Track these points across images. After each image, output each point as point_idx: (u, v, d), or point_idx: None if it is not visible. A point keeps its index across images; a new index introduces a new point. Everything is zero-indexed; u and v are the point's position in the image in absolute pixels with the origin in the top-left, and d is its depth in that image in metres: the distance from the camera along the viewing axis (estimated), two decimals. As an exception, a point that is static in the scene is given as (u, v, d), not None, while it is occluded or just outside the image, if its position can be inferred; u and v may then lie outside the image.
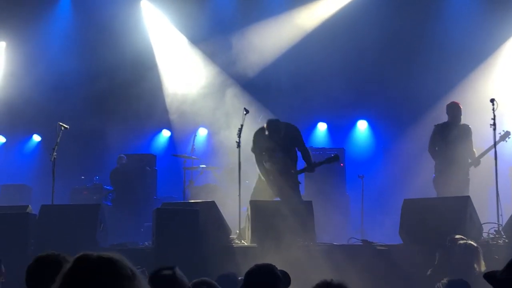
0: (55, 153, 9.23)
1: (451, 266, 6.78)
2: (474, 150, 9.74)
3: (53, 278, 2.14)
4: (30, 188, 12.87)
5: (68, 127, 9.57)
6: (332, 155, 9.58)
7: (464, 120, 9.77)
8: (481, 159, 9.64)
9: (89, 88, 13.92)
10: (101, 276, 2.08)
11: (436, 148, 9.83)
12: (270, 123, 9.18)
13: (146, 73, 13.78)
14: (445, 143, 9.65)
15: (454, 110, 9.74)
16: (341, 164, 12.13)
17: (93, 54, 13.98)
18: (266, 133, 9.13)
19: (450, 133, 9.64)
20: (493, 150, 8.94)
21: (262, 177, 9.30)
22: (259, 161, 9.30)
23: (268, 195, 9.19)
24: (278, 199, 9.23)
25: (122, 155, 12.90)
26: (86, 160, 14.15)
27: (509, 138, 9.40)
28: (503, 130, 9.38)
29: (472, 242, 6.83)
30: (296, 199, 9.09)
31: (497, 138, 8.99)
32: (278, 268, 4.38)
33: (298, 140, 9.38)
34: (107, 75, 13.79)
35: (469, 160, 9.68)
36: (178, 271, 3.75)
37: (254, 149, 9.35)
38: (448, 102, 10.01)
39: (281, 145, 9.17)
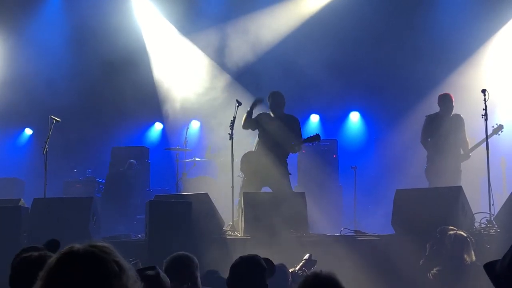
0: (47, 146, 9.19)
1: (442, 257, 6.81)
2: (467, 140, 9.76)
3: (37, 273, 2.08)
4: (22, 182, 12.83)
5: (59, 120, 9.52)
6: (314, 134, 9.46)
7: (455, 110, 9.77)
8: (470, 153, 9.67)
9: (81, 81, 13.88)
10: (85, 274, 2.02)
11: (429, 139, 9.85)
12: (275, 92, 9.46)
13: (138, 66, 13.74)
14: (437, 134, 9.67)
15: (446, 101, 9.71)
16: (334, 156, 12.18)
17: (84, 47, 13.92)
18: (269, 104, 9.39)
19: (442, 124, 9.65)
20: (484, 142, 8.95)
21: (250, 162, 9.31)
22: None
23: (255, 186, 9.22)
24: (266, 188, 9.28)
25: (133, 161, 12.74)
26: (79, 153, 14.12)
27: (501, 131, 9.40)
28: (496, 124, 9.38)
29: (462, 233, 6.86)
30: (287, 189, 9.12)
31: (489, 130, 8.98)
32: (272, 259, 4.39)
33: (296, 129, 9.46)
34: (99, 68, 13.75)
35: (461, 152, 9.71)
36: (161, 272, 3.76)
37: (248, 127, 9.44)
38: (440, 93, 10.01)
39: (280, 130, 9.24)
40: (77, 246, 2.09)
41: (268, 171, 9.12)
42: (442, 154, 9.59)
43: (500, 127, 9.36)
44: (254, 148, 9.57)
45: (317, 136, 9.36)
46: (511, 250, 3.01)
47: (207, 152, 12.44)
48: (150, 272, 3.60)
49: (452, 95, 9.81)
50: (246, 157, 9.47)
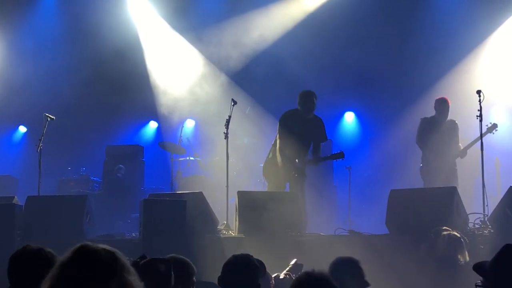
0: (41, 144, 9.17)
1: (436, 257, 6.82)
2: (460, 145, 9.78)
3: (35, 271, 2.10)
4: (16, 180, 12.79)
5: (54, 118, 9.51)
6: (338, 151, 9.34)
7: (451, 112, 9.78)
8: (467, 150, 9.69)
9: (75, 79, 13.84)
10: (96, 270, 2.07)
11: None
12: (305, 92, 9.23)
13: (133, 64, 13.71)
14: (432, 138, 9.69)
15: (443, 105, 9.69)
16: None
17: (79, 46, 13.90)
18: (299, 106, 9.15)
19: (437, 128, 9.68)
20: (479, 141, 8.96)
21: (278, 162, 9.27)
22: (280, 148, 9.25)
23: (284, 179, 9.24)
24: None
25: (121, 166, 12.71)
26: (73, 151, 14.08)
27: (496, 130, 9.40)
28: (490, 122, 9.39)
29: (455, 233, 6.87)
30: (297, 189, 9.10)
31: (484, 130, 9.01)
32: (266, 259, 4.39)
33: (320, 131, 9.35)
34: (93, 66, 13.73)
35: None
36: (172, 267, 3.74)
37: (281, 132, 9.26)
38: (437, 97, 9.99)
39: (306, 133, 9.18)
40: (88, 243, 2.16)
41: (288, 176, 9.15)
42: (437, 154, 9.62)
43: (494, 126, 9.35)
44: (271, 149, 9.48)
45: (341, 154, 9.24)
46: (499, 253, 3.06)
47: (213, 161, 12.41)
48: (162, 267, 3.61)
49: (448, 100, 9.79)
50: (267, 168, 9.48)
